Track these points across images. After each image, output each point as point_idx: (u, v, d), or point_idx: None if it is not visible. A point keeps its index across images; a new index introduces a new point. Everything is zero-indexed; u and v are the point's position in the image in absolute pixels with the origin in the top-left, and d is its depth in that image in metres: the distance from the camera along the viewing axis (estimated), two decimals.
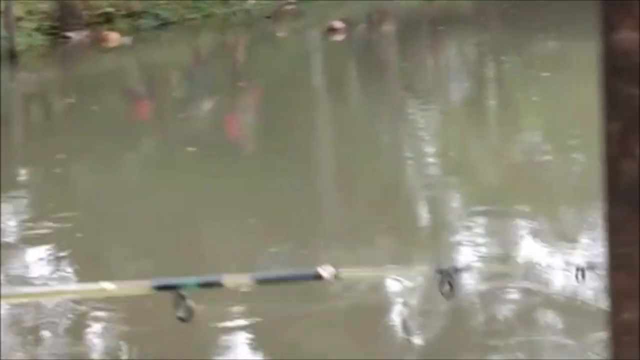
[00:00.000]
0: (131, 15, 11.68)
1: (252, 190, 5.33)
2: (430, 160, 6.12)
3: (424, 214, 5.10)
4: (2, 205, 5.35)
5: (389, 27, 12.58)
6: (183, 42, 11.92)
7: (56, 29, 10.78)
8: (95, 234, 4.73)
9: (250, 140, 7.32)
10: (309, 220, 4.85)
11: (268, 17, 13.04)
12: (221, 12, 12.92)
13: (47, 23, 10.75)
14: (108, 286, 0.70)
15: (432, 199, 5.23)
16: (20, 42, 9.88)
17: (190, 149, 6.64)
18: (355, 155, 6.11)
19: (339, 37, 11.38)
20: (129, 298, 2.43)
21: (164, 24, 11.99)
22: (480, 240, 4.39)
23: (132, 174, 6.26)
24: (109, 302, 3.39)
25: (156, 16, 11.94)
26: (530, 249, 4.29)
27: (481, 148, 6.49)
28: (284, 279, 0.97)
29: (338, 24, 11.57)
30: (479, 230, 4.52)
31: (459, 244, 4.35)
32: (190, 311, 1.14)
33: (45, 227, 4.87)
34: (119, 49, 10.86)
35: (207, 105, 8.93)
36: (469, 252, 4.21)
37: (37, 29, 10.53)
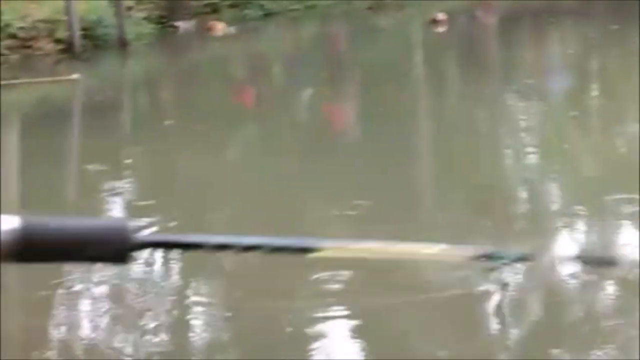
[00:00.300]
0: (236, 5, 11.93)
1: (353, 179, 5.41)
2: (532, 151, 6.09)
3: (525, 205, 5.09)
4: (117, 186, 5.62)
5: (491, 19, 12.51)
6: (286, 32, 12.11)
7: (164, 18, 11.08)
8: (196, 219, 4.88)
9: (351, 129, 7.40)
10: (411, 209, 4.89)
11: (369, 8, 13.14)
12: (323, 3, 13.07)
13: (156, 12, 11.05)
14: (431, 249, 0.75)
15: (534, 189, 5.22)
16: (130, 30, 10.18)
17: (291, 136, 6.79)
18: (457, 146, 6.13)
19: (441, 29, 11.38)
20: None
21: (268, 15, 12.21)
22: (582, 231, 4.37)
23: (236, 160, 6.39)
24: None
25: (260, 7, 12.16)
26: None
27: (584, 139, 6.43)
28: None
29: (441, 16, 11.57)
30: (581, 222, 4.49)
31: (563, 235, 4.34)
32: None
33: (150, 209, 5.09)
34: (225, 38, 11.10)
35: (308, 93, 9.07)
36: (572, 243, 4.20)
37: (146, 18, 10.84)
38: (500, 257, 0.96)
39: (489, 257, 0.93)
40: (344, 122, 7.57)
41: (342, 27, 12.92)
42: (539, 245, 3.93)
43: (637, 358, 4.01)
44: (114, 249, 0.62)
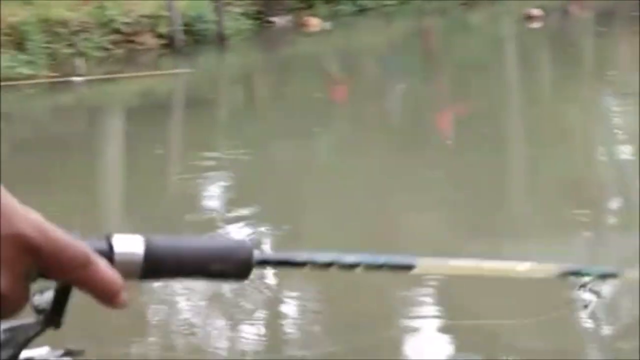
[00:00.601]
0: (331, 1, 12.06)
1: (446, 178, 5.42)
2: (626, 149, 6.03)
3: (618, 208, 5.04)
4: (214, 178, 5.82)
5: (586, 14, 12.38)
6: (379, 28, 12.21)
7: (261, 14, 11.29)
8: (289, 213, 5.01)
9: (444, 127, 7.40)
10: (505, 212, 4.89)
11: (463, 4, 13.15)
12: None
13: (253, 8, 11.27)
14: (521, 267, 0.80)
15: (627, 190, 5.16)
16: (228, 26, 10.40)
17: (384, 132, 6.87)
18: (551, 144, 6.10)
19: (536, 25, 11.32)
20: None
21: (362, 10, 12.32)
22: None
23: (330, 156, 6.49)
24: None
25: (355, 2, 12.28)
26: None
27: None
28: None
29: (535, 12, 11.51)
30: None
31: None
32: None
33: (248, 202, 5.26)
34: (319, 33, 11.25)
35: (400, 89, 9.14)
36: None
37: (244, 14, 11.07)
38: (586, 274, 0.98)
39: (576, 273, 0.95)
40: (438, 120, 7.59)
41: (435, 23, 12.96)
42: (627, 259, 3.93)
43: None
44: (237, 266, 0.64)
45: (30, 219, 0.53)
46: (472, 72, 9.11)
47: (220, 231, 4.85)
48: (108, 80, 8.70)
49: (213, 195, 5.70)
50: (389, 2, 12.74)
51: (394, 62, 10.39)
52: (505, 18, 12.85)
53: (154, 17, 10.02)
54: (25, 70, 8.42)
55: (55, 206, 5.36)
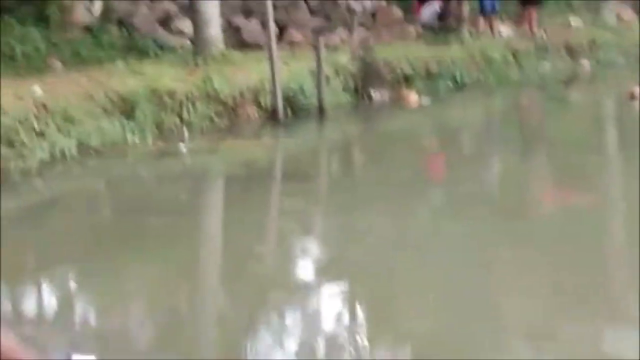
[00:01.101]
0: (429, 77, 12.20)
1: (542, 258, 5.37)
2: None
3: None
4: (309, 248, 5.92)
5: None
6: (477, 104, 12.26)
7: (360, 88, 11.49)
8: (383, 287, 5.05)
9: (546, 209, 7.33)
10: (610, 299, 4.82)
11: (563, 82, 13.13)
12: (516, 75, 13.17)
13: (352, 82, 11.48)
14: None
15: None
16: (328, 99, 10.62)
17: (479, 208, 6.82)
18: None
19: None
20: None
21: (460, 86, 12.41)
22: None
23: (425, 229, 6.49)
24: None
25: (453, 78, 12.39)
26: None
27: None
28: None
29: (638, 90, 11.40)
30: None
31: None
32: None
33: (337, 271, 5.34)
34: (417, 109, 11.37)
35: (498, 166, 9.14)
36: None
37: (343, 88, 11.29)
38: None
39: None
40: (539, 201, 7.51)
41: (534, 100, 12.96)
42: None
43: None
44: None
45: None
46: (572, 151, 9.03)
47: (311, 305, 4.95)
48: (211, 149, 8.97)
49: (305, 266, 5.82)
50: (487, 79, 12.79)
51: (491, 138, 10.43)
52: (607, 96, 12.76)
53: (257, 89, 10.31)
54: (134, 138, 8.76)
55: (155, 269, 5.59)
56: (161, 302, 5.03)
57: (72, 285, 5.57)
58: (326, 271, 5.54)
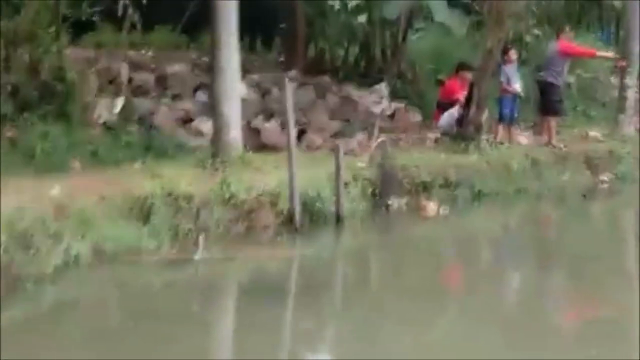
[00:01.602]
0: (448, 186, 12.13)
1: None
2: None
3: None
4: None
5: None
6: (496, 214, 12.18)
7: (378, 195, 11.41)
8: None
9: (556, 318, 7.23)
10: None
11: (583, 195, 13.05)
12: (534, 186, 13.10)
13: (370, 189, 11.40)
14: None
15: None
16: (345, 206, 10.53)
17: (499, 325, 6.78)
18: None
19: None
20: None
21: (478, 196, 12.34)
22: None
23: (441, 344, 6.38)
24: None
25: (471, 188, 12.32)
26: None
27: None
28: None
29: None
30: None
31: None
32: None
33: None
34: (436, 218, 11.27)
35: (516, 279, 9.03)
36: None
37: (361, 195, 11.20)
38: None
39: None
40: (557, 316, 7.43)
41: (553, 213, 12.87)
42: None
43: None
44: None
45: None
46: (592, 266, 8.95)
47: None
48: (225, 258, 8.86)
49: None
50: (506, 189, 12.72)
51: (509, 250, 10.33)
52: (627, 210, 12.67)
53: (274, 195, 10.23)
54: (149, 244, 8.65)
55: None
56: None
57: None
58: None
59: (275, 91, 13.37)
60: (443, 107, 14.24)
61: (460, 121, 13.68)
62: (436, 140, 13.76)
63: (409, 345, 6.32)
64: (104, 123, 11.24)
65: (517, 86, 14.34)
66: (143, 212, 9.05)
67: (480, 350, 6.08)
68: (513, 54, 14.37)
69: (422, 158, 12.44)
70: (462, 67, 14.38)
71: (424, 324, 6.82)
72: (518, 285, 8.79)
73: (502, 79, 14.23)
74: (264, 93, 13.44)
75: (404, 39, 16.67)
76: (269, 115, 12.82)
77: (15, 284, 7.45)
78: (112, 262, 8.27)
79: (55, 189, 8.77)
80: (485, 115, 13.62)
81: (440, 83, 15.48)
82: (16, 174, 9.39)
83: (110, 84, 11.87)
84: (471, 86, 13.67)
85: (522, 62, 15.65)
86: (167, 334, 6.52)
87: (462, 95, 13.81)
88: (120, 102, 11.58)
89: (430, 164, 12.25)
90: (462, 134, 13.49)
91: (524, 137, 14.83)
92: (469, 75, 14.05)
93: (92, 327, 6.92)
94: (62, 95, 10.63)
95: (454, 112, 13.86)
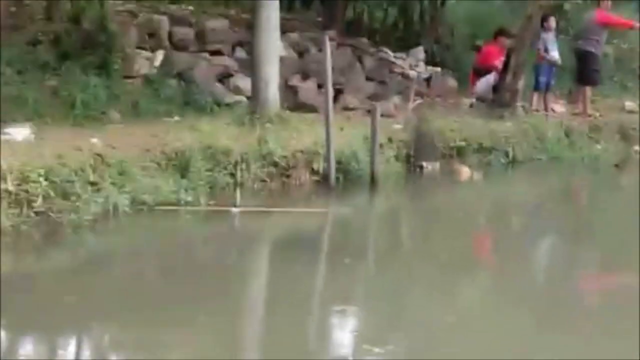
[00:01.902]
0: (482, 151, 12.15)
1: (587, 348, 5.32)
2: None
3: None
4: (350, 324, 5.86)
5: None
6: (529, 182, 12.19)
7: (412, 157, 11.46)
8: None
9: (584, 289, 7.24)
10: None
11: (616, 165, 13.02)
12: (568, 154, 13.08)
13: (404, 152, 11.45)
14: None
15: None
16: (380, 168, 10.58)
17: (526, 293, 6.76)
18: None
19: None
20: None
21: (512, 162, 12.35)
22: None
23: (467, 311, 6.36)
24: None
25: (505, 154, 12.33)
26: None
27: None
28: None
29: None
30: None
31: None
32: None
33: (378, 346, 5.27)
34: (469, 182, 11.32)
35: (546, 246, 9.05)
36: None
37: (395, 157, 11.26)
38: None
39: None
40: (585, 286, 7.43)
41: (585, 181, 12.85)
42: None
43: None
44: None
45: None
46: (623, 236, 8.90)
47: None
48: (261, 213, 8.95)
49: (345, 340, 5.76)
50: (539, 157, 12.73)
51: (540, 218, 10.33)
52: None
53: (310, 153, 10.31)
54: (186, 197, 8.77)
55: (193, 332, 5.55)
56: None
57: (109, 340, 5.61)
58: (368, 345, 5.45)
59: (313, 51, 13.37)
60: (479, 72, 14.20)
61: (497, 87, 13.64)
62: (471, 106, 13.75)
63: (436, 307, 6.32)
64: (144, 76, 11.31)
65: (555, 54, 14.26)
66: (181, 165, 9.17)
67: (507, 318, 6.07)
68: (552, 22, 14.27)
69: (457, 123, 12.44)
70: (500, 33, 14.30)
71: (452, 289, 6.81)
72: (548, 253, 8.81)
73: (540, 46, 14.16)
74: (302, 52, 13.43)
75: (442, 3, 16.59)
76: (306, 75, 12.84)
77: (55, 230, 7.60)
78: (150, 213, 8.39)
79: (95, 139, 8.90)
80: (521, 83, 13.57)
81: (477, 49, 15.38)
82: (56, 122, 9.55)
83: (150, 37, 11.91)
84: (509, 53, 13.62)
85: (560, 31, 15.51)
86: (203, 283, 6.64)
87: (499, 62, 13.76)
88: (160, 56, 11.64)
89: (465, 129, 12.26)
90: (498, 100, 13.47)
91: (559, 106, 14.77)
92: (507, 42, 13.98)
93: (129, 275, 7.08)
94: (103, 46, 10.69)
95: (490, 78, 13.82)
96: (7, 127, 8.69)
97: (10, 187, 7.52)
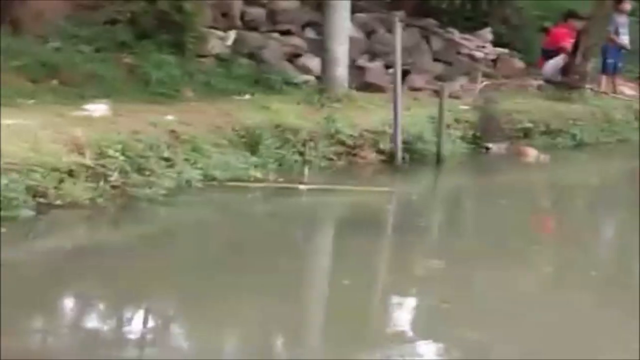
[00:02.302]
0: (549, 132, 12.15)
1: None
2: None
3: None
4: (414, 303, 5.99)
5: None
6: (596, 165, 12.15)
7: (478, 138, 11.52)
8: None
9: None
10: None
11: None
12: (637, 138, 12.97)
13: (470, 132, 11.52)
14: None
15: None
16: (446, 148, 10.68)
17: (588, 275, 6.79)
18: None
19: None
20: None
21: (579, 144, 12.33)
22: None
23: (528, 293, 6.40)
24: None
25: (573, 136, 12.31)
26: None
27: None
28: None
29: None
30: None
31: None
32: None
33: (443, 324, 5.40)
34: (535, 165, 11.33)
35: (611, 230, 9.05)
36: None
37: (461, 137, 11.33)
38: None
39: None
40: None
41: None
42: None
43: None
44: None
45: None
46: None
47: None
48: (327, 190, 9.13)
49: (411, 316, 5.89)
50: (607, 139, 12.67)
51: (607, 201, 10.30)
52: None
53: (377, 132, 10.46)
54: (256, 173, 9.00)
55: (254, 308, 5.73)
56: (257, 339, 5.23)
57: (172, 312, 5.81)
58: (433, 323, 5.62)
59: (381, 31, 13.49)
60: (548, 54, 14.15)
61: (565, 69, 13.59)
62: (539, 88, 13.72)
63: (500, 290, 6.35)
64: (217, 55, 11.56)
65: (625, 39, 14.14)
66: (251, 142, 9.40)
67: (571, 301, 6.07)
68: (627, 4, 14.13)
69: (524, 104, 12.46)
70: (571, 15, 14.22)
71: (516, 271, 6.86)
72: (614, 236, 8.82)
73: (611, 28, 14.02)
74: (370, 33, 13.56)
75: None
76: (373, 55, 12.97)
77: (130, 204, 7.87)
78: (221, 188, 8.63)
79: (170, 116, 9.17)
80: (590, 65, 13.49)
81: (545, 30, 15.31)
82: (132, 99, 9.84)
83: (223, 17, 12.17)
84: (579, 35, 13.54)
85: (630, 13, 15.32)
86: (272, 257, 6.82)
87: (568, 44, 13.70)
88: (232, 35, 11.89)
89: (532, 111, 12.27)
90: (566, 82, 13.42)
91: (628, 88, 14.64)
92: (577, 24, 13.89)
93: (200, 247, 7.30)
94: (178, 25, 10.97)
95: (559, 60, 13.77)
96: (85, 103, 9.01)
97: (88, 162, 7.79)
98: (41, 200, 7.19)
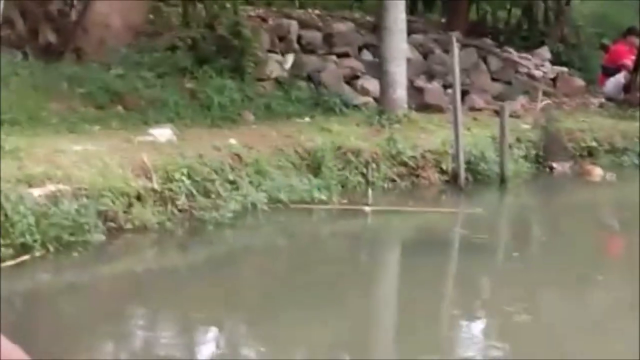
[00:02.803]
0: (614, 151, 11.94)
1: None
2: None
3: None
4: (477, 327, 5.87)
5: None
6: None
7: (541, 158, 11.36)
8: None
9: None
10: None
11: None
12: None
13: (533, 152, 11.36)
14: None
15: None
16: (509, 167, 10.53)
17: None
18: None
19: None
20: None
21: None
22: None
23: (598, 317, 6.26)
24: None
25: (638, 154, 12.07)
26: None
27: None
28: None
29: None
30: None
31: None
32: None
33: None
34: (601, 183, 11.13)
35: None
36: None
37: (524, 157, 11.18)
38: None
39: None
40: None
41: None
42: None
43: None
44: None
45: None
46: None
47: None
48: (392, 211, 9.06)
49: (475, 337, 5.78)
50: None
51: None
52: None
53: (439, 153, 10.37)
54: (320, 195, 8.95)
55: (323, 329, 5.68)
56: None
57: (242, 333, 5.79)
58: (498, 342, 5.51)
59: (437, 52, 13.43)
60: (608, 72, 13.97)
61: (627, 87, 13.39)
62: (601, 106, 13.53)
63: (568, 311, 6.25)
64: (276, 78, 11.59)
65: None
66: (314, 165, 9.37)
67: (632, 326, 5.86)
68: None
69: (587, 123, 12.26)
70: (630, 32, 14.04)
71: (585, 293, 6.75)
72: None
73: None
74: (426, 54, 13.51)
75: (567, 2, 16.38)
76: (431, 76, 12.90)
77: (197, 227, 7.88)
78: (286, 210, 8.60)
79: (232, 139, 9.18)
80: None
81: (604, 47, 15.13)
82: (195, 123, 9.89)
83: (280, 41, 12.21)
84: (639, 51, 13.35)
85: None
86: (337, 279, 6.81)
87: (629, 61, 13.51)
88: (290, 59, 11.91)
89: (596, 129, 12.07)
90: (629, 100, 13.22)
91: None
92: (636, 41, 13.71)
93: (268, 270, 7.32)
94: (237, 50, 11.03)
95: (620, 77, 13.58)
96: (149, 128, 9.07)
97: (156, 186, 7.83)
98: (111, 224, 7.23)
